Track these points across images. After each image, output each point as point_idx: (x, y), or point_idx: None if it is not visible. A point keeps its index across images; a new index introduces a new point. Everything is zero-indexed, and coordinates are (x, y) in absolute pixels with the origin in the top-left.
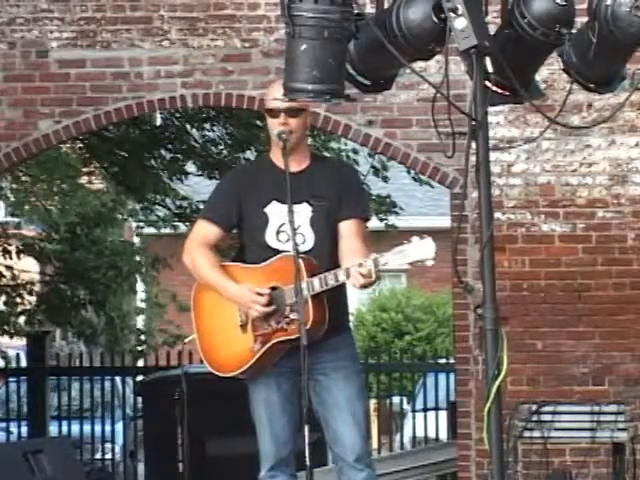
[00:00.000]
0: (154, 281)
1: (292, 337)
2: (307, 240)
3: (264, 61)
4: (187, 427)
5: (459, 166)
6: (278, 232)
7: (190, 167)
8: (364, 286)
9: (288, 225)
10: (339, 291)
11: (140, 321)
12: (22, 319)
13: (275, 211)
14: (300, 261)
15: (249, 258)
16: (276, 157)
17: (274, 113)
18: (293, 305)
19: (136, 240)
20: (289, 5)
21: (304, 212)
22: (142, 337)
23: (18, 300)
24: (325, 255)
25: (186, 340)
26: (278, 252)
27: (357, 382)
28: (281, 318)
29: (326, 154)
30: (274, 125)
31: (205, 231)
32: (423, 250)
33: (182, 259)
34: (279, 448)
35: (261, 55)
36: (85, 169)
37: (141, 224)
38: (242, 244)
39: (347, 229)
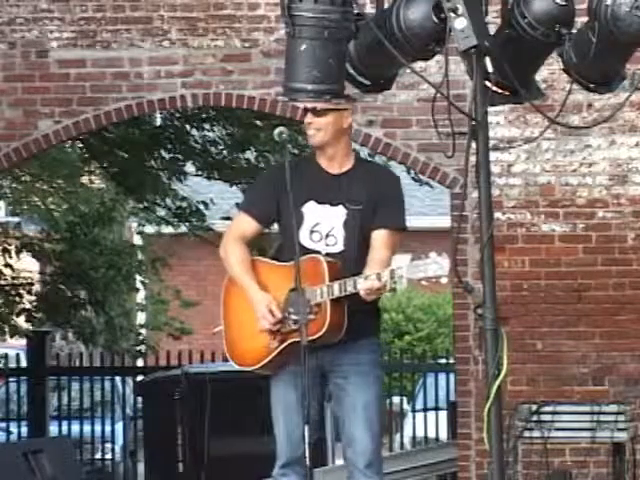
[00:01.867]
0: (157, 279)
1: (309, 338)
2: (338, 242)
3: (264, 61)
4: (187, 427)
5: (459, 166)
6: (312, 232)
7: (189, 167)
8: (373, 295)
9: (322, 225)
10: None
11: (142, 318)
12: (21, 319)
13: (310, 210)
14: (324, 264)
15: (283, 255)
16: (320, 158)
17: (303, 113)
18: (314, 306)
19: (137, 239)
20: (289, 5)
21: (339, 215)
22: (142, 335)
23: (17, 299)
24: (353, 259)
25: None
26: (310, 251)
27: (376, 388)
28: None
29: None
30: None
31: (243, 225)
32: (439, 267)
33: (218, 251)
34: (293, 447)
35: (261, 55)
36: (85, 169)
37: (142, 222)
38: (281, 242)
39: (378, 239)
